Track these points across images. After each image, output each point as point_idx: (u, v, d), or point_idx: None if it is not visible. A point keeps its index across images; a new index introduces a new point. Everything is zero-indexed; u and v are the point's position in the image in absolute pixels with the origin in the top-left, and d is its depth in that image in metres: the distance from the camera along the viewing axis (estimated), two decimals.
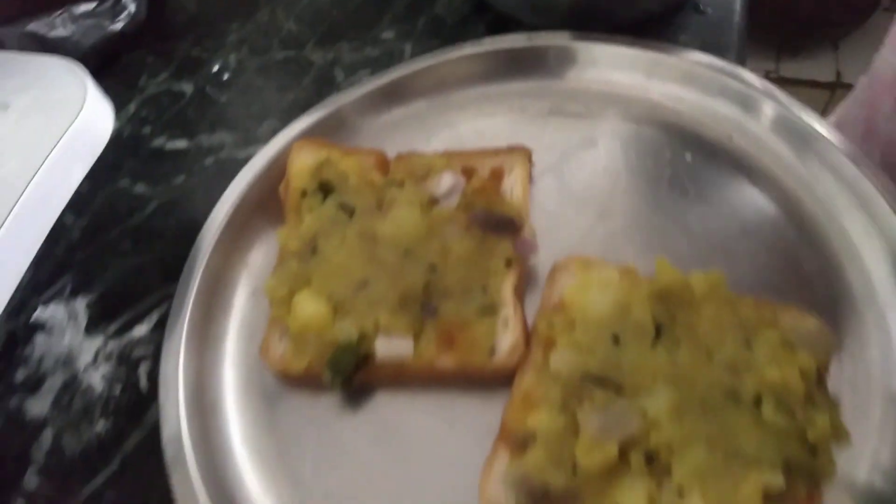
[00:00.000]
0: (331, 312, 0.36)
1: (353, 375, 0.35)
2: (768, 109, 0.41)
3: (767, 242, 0.39)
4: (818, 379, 0.32)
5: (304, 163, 0.41)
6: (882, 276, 0.36)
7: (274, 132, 0.44)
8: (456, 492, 0.34)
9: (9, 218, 0.36)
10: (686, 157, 0.42)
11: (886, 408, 0.33)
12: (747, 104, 0.42)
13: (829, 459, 0.30)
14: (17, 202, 0.36)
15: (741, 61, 0.46)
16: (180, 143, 0.49)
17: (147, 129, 0.50)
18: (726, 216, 0.40)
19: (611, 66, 0.44)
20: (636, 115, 0.44)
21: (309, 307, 0.37)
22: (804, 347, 0.32)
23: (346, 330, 0.35)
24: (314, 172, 0.41)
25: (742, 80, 0.42)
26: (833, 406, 0.31)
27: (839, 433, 0.31)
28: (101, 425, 0.39)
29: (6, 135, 0.40)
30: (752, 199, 0.40)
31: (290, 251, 0.39)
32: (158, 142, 0.50)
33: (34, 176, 0.37)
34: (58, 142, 0.39)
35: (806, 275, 0.37)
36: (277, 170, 0.42)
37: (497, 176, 0.41)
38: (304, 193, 0.40)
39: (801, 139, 0.40)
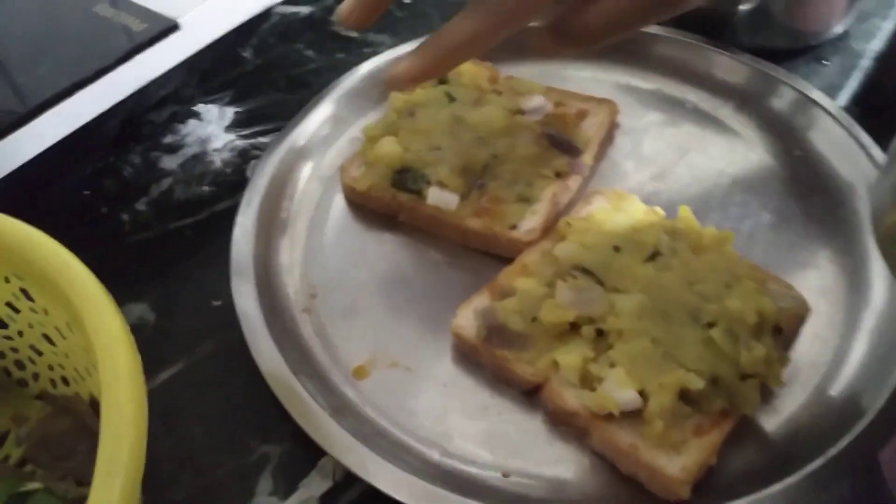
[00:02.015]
0: (402, 155, 0.44)
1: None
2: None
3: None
4: (775, 330, 0.35)
5: None
6: None
7: None
8: (437, 315, 0.40)
9: None
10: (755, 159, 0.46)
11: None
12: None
13: (754, 392, 0.33)
14: None
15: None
16: (351, 33, 0.60)
17: (332, 18, 0.62)
18: (775, 212, 0.43)
19: (712, 65, 0.50)
20: (726, 111, 0.49)
21: (388, 145, 0.45)
22: (774, 300, 0.35)
23: (412, 163, 0.44)
24: None
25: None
26: (777, 354, 0.34)
27: (772, 375, 0.33)
28: (206, 188, 0.49)
29: None
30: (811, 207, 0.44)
31: (394, 108, 0.47)
32: (336, 28, 0.61)
33: None
34: None
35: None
36: None
37: (581, 116, 0.47)
38: None
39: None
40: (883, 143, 0.44)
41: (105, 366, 0.25)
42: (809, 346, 0.37)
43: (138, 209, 0.48)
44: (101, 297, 0.28)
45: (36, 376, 0.37)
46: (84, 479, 0.32)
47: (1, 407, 0.37)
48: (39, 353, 0.36)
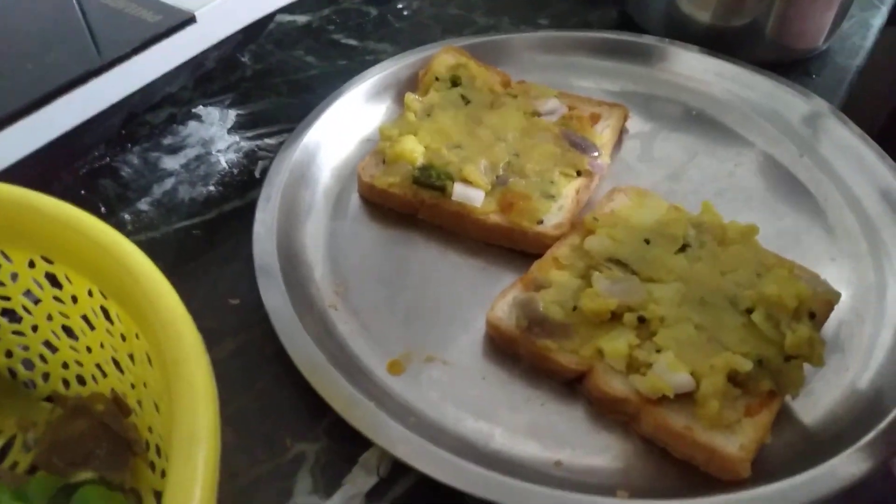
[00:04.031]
0: (424, 153, 0.44)
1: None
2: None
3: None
4: (810, 315, 0.35)
5: (446, 60, 0.50)
6: None
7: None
8: (464, 310, 0.39)
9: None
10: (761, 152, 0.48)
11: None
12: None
13: (799, 373, 0.33)
14: None
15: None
16: (352, 42, 0.60)
17: (331, 27, 0.62)
18: (786, 205, 0.45)
19: (713, 74, 0.52)
20: (732, 116, 0.51)
21: (408, 143, 0.44)
22: (807, 285, 0.36)
23: (434, 161, 0.43)
24: (451, 68, 0.50)
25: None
26: (816, 336, 0.34)
27: (814, 355, 0.34)
28: (213, 188, 0.47)
29: None
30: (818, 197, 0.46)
31: (411, 109, 0.47)
32: (336, 36, 0.61)
33: None
34: None
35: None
36: (420, 65, 0.52)
37: (594, 119, 0.48)
38: (437, 78, 0.49)
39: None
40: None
41: (171, 343, 0.24)
42: (837, 331, 0.38)
43: (141, 209, 0.46)
44: (157, 275, 0.26)
45: (46, 376, 0.35)
46: (110, 480, 0.30)
47: (5, 411, 0.35)
48: (53, 350, 0.34)
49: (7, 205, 0.29)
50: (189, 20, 0.43)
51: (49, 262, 0.29)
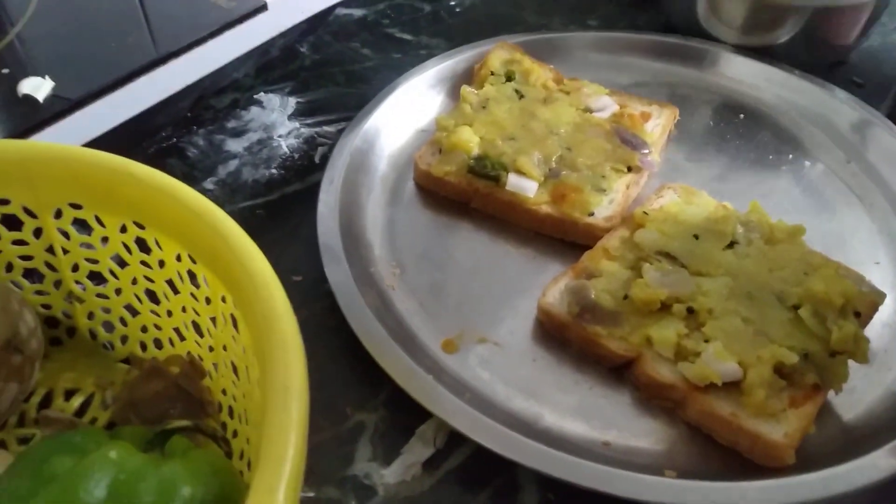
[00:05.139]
0: (479, 144, 0.46)
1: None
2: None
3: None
4: (856, 314, 0.36)
5: (501, 55, 0.52)
6: None
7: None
8: (515, 295, 0.41)
9: None
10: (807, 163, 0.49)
11: None
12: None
13: (844, 368, 0.35)
14: None
15: None
16: (406, 36, 0.62)
17: (386, 21, 0.64)
18: (832, 208, 0.46)
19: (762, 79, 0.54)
20: (780, 121, 0.52)
21: (465, 133, 0.46)
22: (853, 283, 0.37)
23: (489, 151, 0.45)
24: (505, 63, 0.51)
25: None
26: (861, 334, 0.36)
27: (859, 352, 0.35)
28: (275, 171, 0.49)
29: None
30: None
31: (467, 101, 0.49)
32: (391, 30, 0.63)
33: None
34: None
35: None
36: (474, 59, 0.53)
37: (645, 118, 0.49)
38: (492, 73, 0.51)
39: None
40: None
41: (263, 303, 0.26)
42: (880, 332, 0.39)
43: (206, 188, 0.48)
44: (247, 239, 0.28)
45: (124, 339, 0.37)
46: (204, 428, 0.32)
47: (84, 370, 0.37)
48: (134, 314, 0.36)
49: (105, 171, 0.31)
50: (261, 7, 0.45)
51: (141, 227, 0.31)
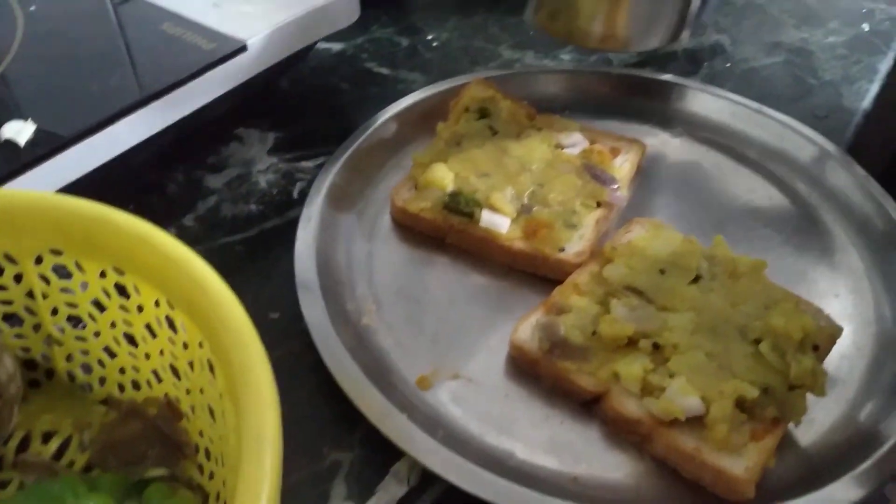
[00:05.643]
0: (453, 180, 0.47)
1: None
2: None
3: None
4: (814, 347, 0.38)
5: (475, 92, 0.53)
6: None
7: None
8: (488, 330, 0.42)
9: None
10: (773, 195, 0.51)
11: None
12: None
13: (802, 401, 0.36)
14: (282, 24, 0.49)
15: None
16: (384, 70, 0.63)
17: (364, 55, 0.65)
18: (794, 242, 0.48)
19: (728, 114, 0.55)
20: (745, 155, 0.54)
21: (439, 171, 0.47)
22: (812, 319, 0.38)
23: (462, 188, 0.46)
24: (480, 100, 0.53)
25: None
26: (819, 368, 0.37)
27: (817, 385, 0.36)
28: (253, 206, 0.50)
29: None
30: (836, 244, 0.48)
31: (441, 138, 0.50)
32: (370, 65, 0.64)
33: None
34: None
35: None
36: (450, 94, 0.55)
37: (614, 153, 0.51)
38: (466, 109, 0.52)
39: None
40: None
41: (238, 350, 0.26)
42: (838, 364, 0.40)
43: (186, 224, 0.49)
44: (224, 287, 0.29)
45: (102, 381, 0.37)
46: (178, 477, 0.32)
47: (62, 412, 0.37)
48: (112, 356, 0.36)
49: (85, 219, 0.32)
50: (241, 48, 0.46)
51: (120, 273, 0.32)
